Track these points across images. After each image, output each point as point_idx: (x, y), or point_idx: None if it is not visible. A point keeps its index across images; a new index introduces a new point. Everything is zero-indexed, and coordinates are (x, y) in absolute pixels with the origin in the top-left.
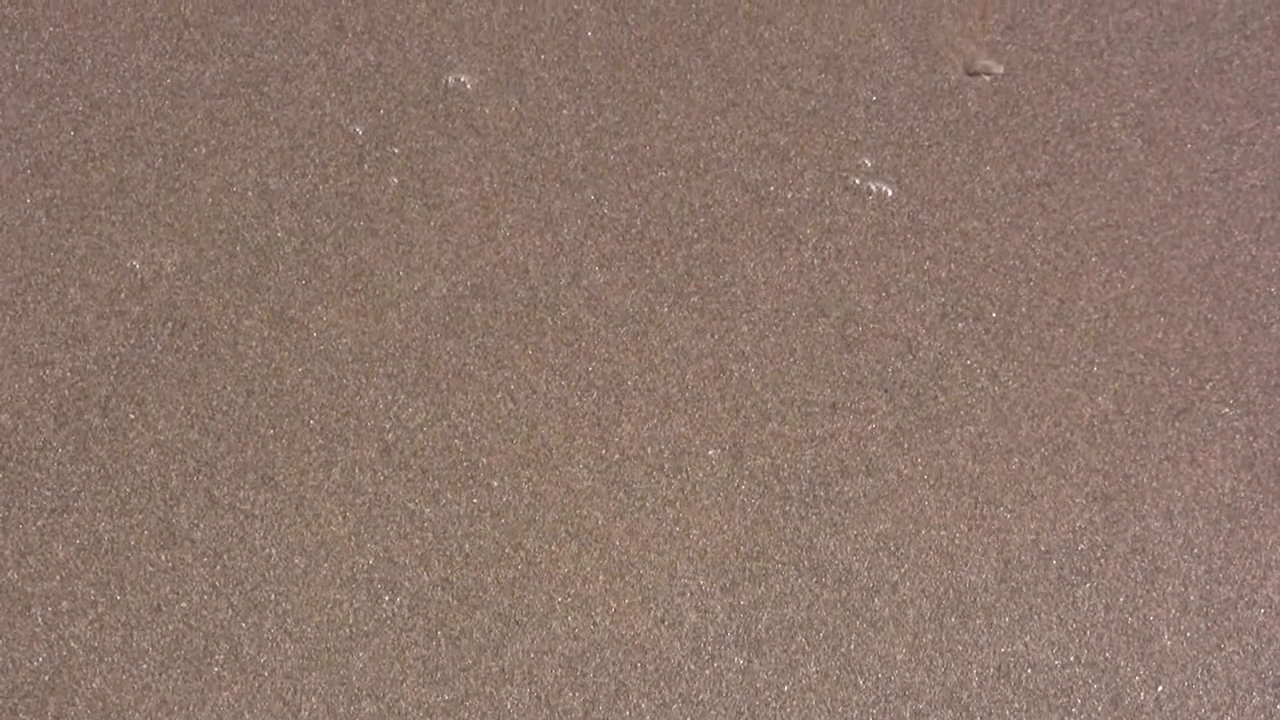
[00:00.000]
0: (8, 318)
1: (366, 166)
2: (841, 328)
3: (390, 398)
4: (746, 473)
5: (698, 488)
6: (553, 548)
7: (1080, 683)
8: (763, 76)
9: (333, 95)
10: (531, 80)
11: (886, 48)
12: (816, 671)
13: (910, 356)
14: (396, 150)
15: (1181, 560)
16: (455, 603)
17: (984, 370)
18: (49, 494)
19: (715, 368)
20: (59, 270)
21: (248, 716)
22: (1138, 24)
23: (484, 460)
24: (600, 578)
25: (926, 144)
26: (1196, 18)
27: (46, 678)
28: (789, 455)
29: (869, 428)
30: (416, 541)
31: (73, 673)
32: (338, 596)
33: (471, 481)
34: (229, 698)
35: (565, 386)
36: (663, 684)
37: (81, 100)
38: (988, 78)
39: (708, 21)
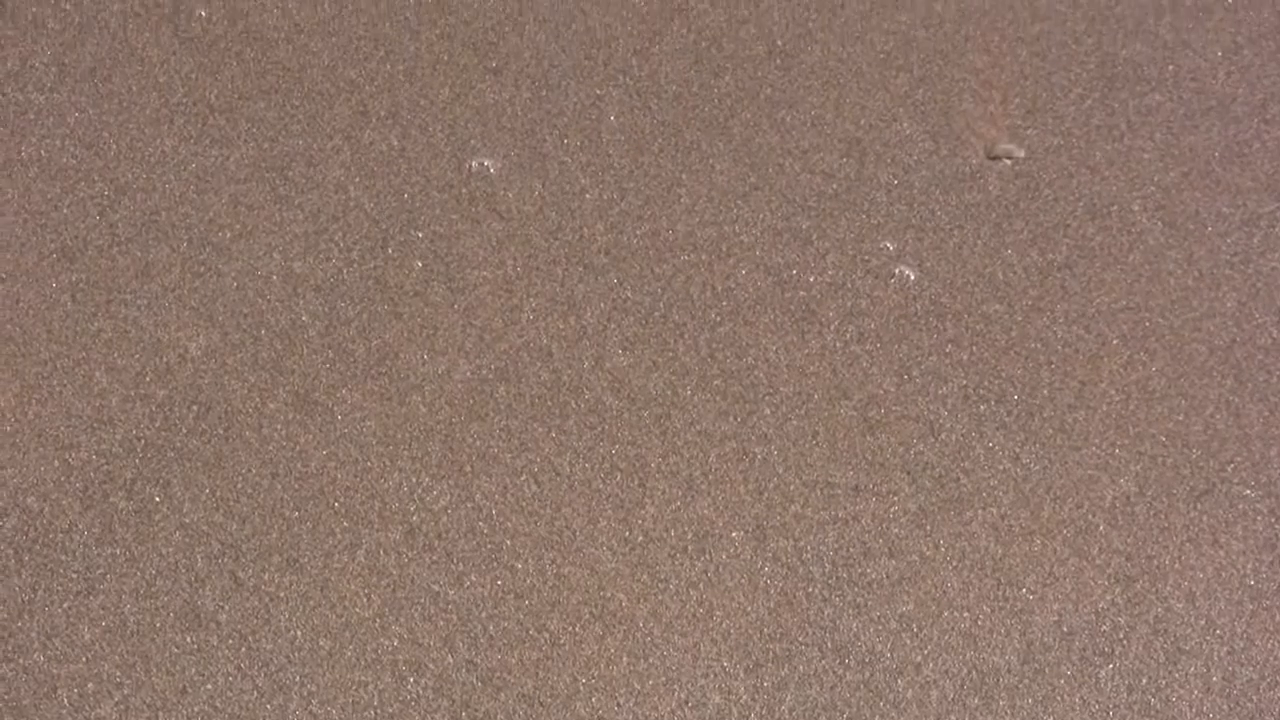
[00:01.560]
0: (34, 401)
1: (390, 250)
2: (864, 410)
3: (414, 480)
4: (769, 554)
5: (721, 569)
6: (576, 629)
7: None
8: (784, 161)
9: (356, 180)
10: (554, 165)
11: (908, 132)
12: None
13: (932, 439)
14: (420, 234)
15: (1204, 642)
16: (479, 685)
17: (1006, 452)
18: (75, 576)
19: (738, 450)
20: (85, 354)
21: None
22: (1158, 108)
23: (508, 542)
24: (624, 659)
25: (948, 227)
26: (1217, 101)
27: None
28: (812, 537)
29: (891, 509)
30: (441, 623)
31: None
32: (362, 678)
33: (495, 563)
34: None
35: (589, 469)
36: None
37: (107, 185)
38: (1009, 161)
39: (729, 106)
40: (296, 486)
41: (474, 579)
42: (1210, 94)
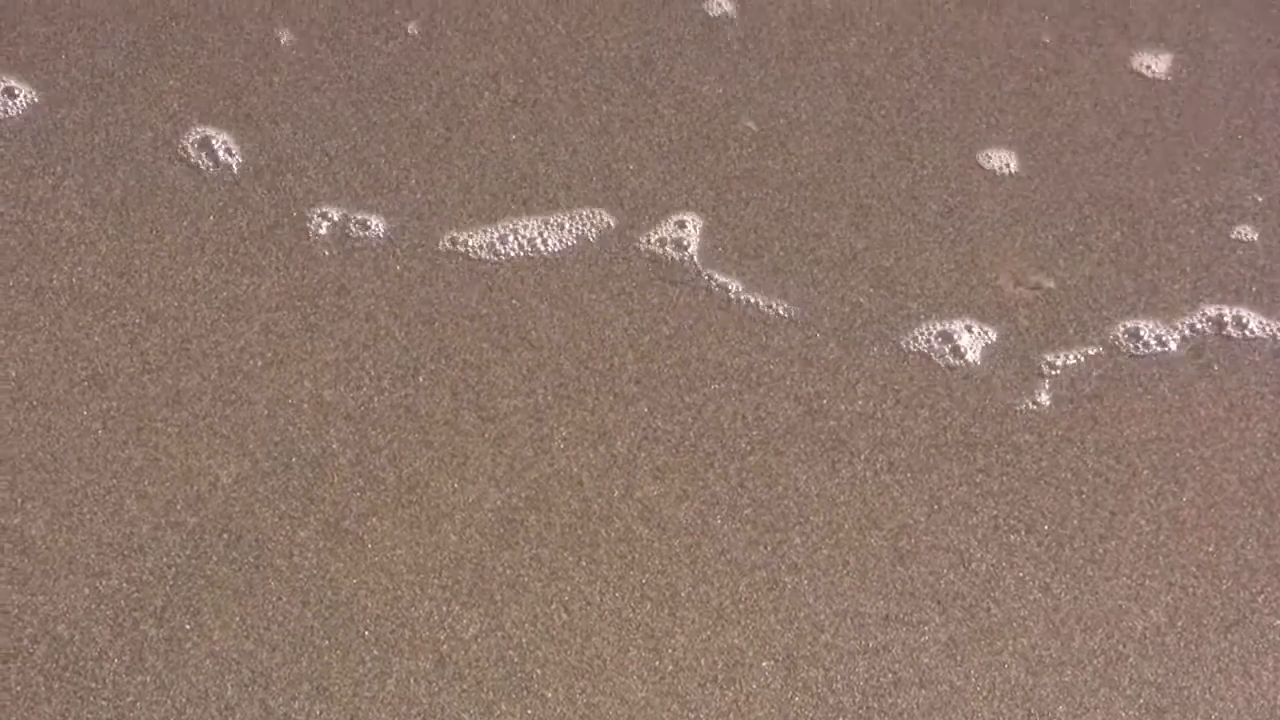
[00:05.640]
0: (64, 528)
1: (421, 379)
2: (894, 540)
3: (444, 609)
4: (800, 684)
5: (751, 699)
6: None
7: None
8: (812, 291)
9: (386, 308)
10: (585, 294)
11: (936, 262)
12: None
13: (963, 568)
14: (450, 363)
15: None
16: None
17: (1036, 582)
18: (105, 704)
19: (768, 579)
20: (115, 481)
21: None
22: (1187, 240)
23: (538, 671)
24: None
25: (978, 359)
26: (1245, 245)
27: None
28: (842, 667)
29: (922, 639)
30: None
31: None
32: None
33: (525, 692)
34: None
35: (619, 598)
36: None
37: (138, 313)
38: (1038, 292)
39: (761, 234)
40: (326, 615)
41: (504, 708)
42: (1242, 235)
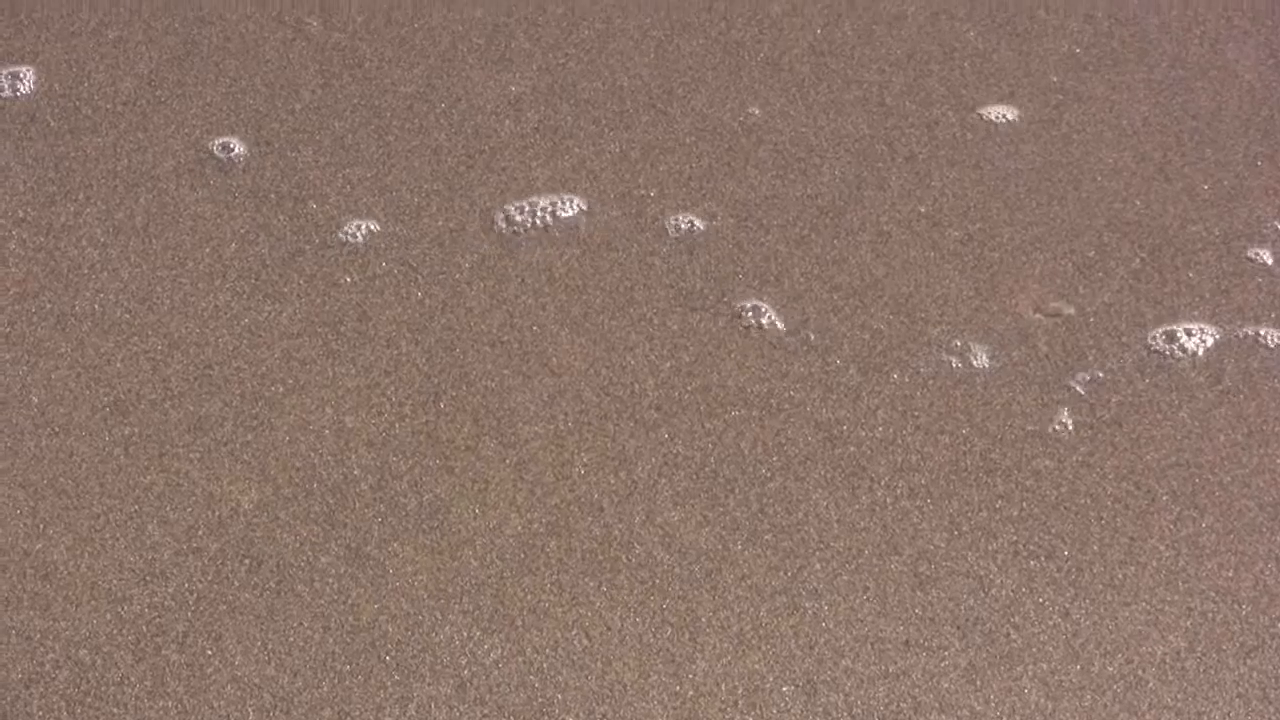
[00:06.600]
0: (86, 553)
1: (442, 405)
2: (914, 565)
3: (465, 634)
4: (820, 709)
5: None
6: None
7: None
8: (832, 316)
9: (407, 335)
10: (605, 320)
11: (957, 290)
12: None
13: (982, 594)
14: (471, 389)
15: None
16: None
17: (1056, 608)
18: None
19: (788, 605)
20: (137, 507)
21: None
22: (1206, 265)
23: (559, 697)
24: None
25: (998, 384)
26: (1265, 269)
27: None
28: (862, 692)
29: (942, 664)
30: None
31: None
32: None
33: (546, 718)
34: None
35: (639, 623)
36: None
37: (160, 339)
38: (1058, 318)
39: (780, 262)
40: (348, 640)
41: None
42: (1261, 260)
